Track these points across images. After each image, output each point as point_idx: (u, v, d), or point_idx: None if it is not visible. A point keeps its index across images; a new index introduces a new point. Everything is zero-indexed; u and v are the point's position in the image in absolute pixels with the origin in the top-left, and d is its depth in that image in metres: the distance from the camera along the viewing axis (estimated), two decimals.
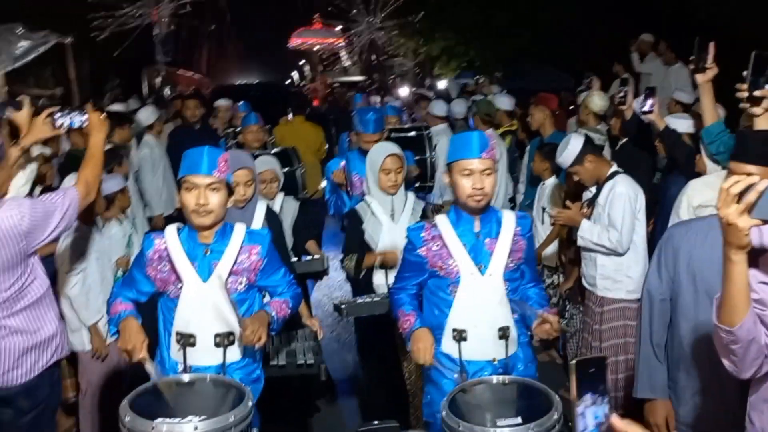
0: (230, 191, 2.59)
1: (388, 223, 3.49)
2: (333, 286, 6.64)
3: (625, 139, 4.75)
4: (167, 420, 2.10)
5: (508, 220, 2.66)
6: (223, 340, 2.55)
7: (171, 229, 2.60)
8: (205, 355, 2.55)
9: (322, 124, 9.41)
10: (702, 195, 3.09)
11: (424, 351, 2.55)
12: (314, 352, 2.96)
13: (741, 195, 1.56)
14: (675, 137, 3.92)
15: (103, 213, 3.72)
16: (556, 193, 4.51)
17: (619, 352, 3.79)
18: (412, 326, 2.62)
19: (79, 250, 3.49)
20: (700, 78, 3.10)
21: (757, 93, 2.59)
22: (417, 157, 4.72)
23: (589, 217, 3.77)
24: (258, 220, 3.28)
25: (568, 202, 3.95)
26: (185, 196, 2.51)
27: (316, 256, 3.91)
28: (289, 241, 3.97)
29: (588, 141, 3.84)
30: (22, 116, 3.06)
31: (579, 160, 3.76)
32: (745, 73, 2.61)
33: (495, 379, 2.47)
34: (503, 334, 2.63)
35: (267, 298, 2.81)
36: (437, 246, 2.63)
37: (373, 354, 3.79)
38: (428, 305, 2.71)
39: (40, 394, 2.80)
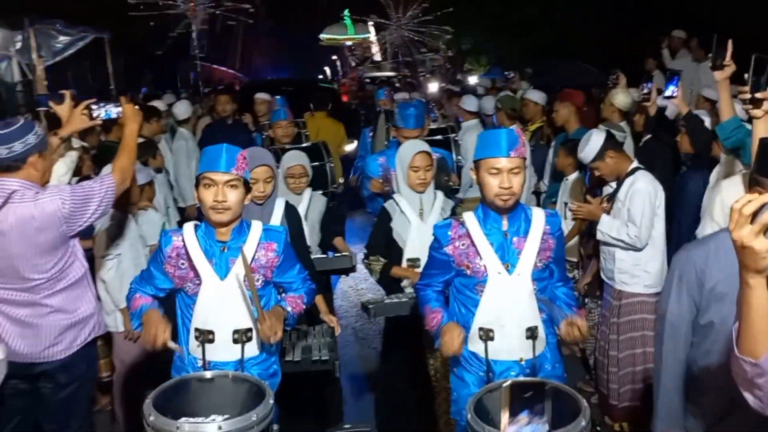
0: (248, 189, 2.56)
1: (416, 222, 3.42)
2: (359, 278, 6.55)
3: (648, 136, 4.69)
4: (191, 420, 2.09)
5: (538, 218, 2.58)
6: (242, 336, 2.53)
7: (188, 227, 2.57)
8: (224, 351, 2.53)
9: (352, 120, 9.40)
10: (736, 195, 2.95)
11: (451, 342, 2.46)
12: (329, 348, 2.91)
13: (755, 215, 1.42)
14: (696, 122, 3.93)
15: (137, 202, 3.82)
16: (577, 188, 4.50)
17: (636, 345, 3.79)
18: (441, 322, 2.56)
19: (114, 236, 3.60)
20: (717, 75, 3.10)
21: (758, 95, 2.60)
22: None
23: (608, 212, 3.77)
24: (277, 217, 3.22)
25: (588, 197, 3.97)
26: (203, 192, 2.48)
27: (345, 254, 3.86)
28: (317, 236, 3.94)
29: (609, 137, 3.84)
30: (63, 108, 3.23)
31: (600, 155, 3.77)
32: (746, 75, 2.62)
33: (523, 380, 2.39)
34: (531, 334, 2.55)
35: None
36: (464, 244, 2.56)
37: (398, 349, 3.73)
38: (455, 303, 2.65)
39: (78, 370, 2.95)
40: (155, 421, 2.08)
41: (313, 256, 3.73)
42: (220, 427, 2.06)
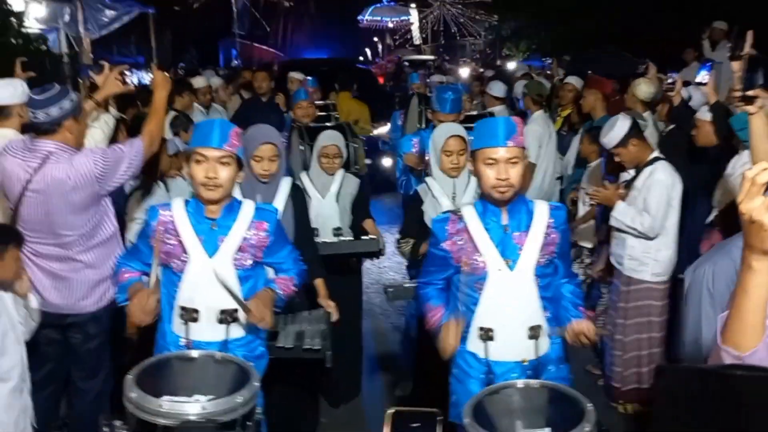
0: (240, 166, 2.47)
1: (448, 206, 3.23)
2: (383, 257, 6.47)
3: (672, 126, 4.61)
4: (174, 398, 2.01)
5: (540, 211, 2.41)
6: (227, 317, 2.44)
7: (178, 202, 2.49)
8: (208, 331, 2.44)
9: (385, 103, 9.22)
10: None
11: (446, 339, 2.33)
12: (322, 336, 2.78)
13: None
14: (722, 111, 3.89)
15: (167, 171, 3.85)
16: (597, 174, 4.45)
17: (642, 330, 3.82)
18: (440, 320, 2.44)
19: (143, 202, 3.66)
20: (735, 66, 3.01)
21: (749, 93, 2.62)
22: None
23: (624, 199, 3.74)
24: (282, 196, 3.10)
25: (605, 182, 3.96)
26: (195, 168, 2.40)
27: (372, 237, 3.73)
28: (348, 218, 3.82)
29: (635, 125, 3.81)
30: (102, 78, 3.40)
31: (623, 142, 3.74)
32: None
33: (522, 382, 2.26)
34: (533, 333, 2.39)
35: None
36: (462, 240, 2.41)
37: (416, 338, 3.60)
38: (454, 302, 2.50)
39: (106, 323, 3.11)
40: (137, 399, 2.01)
41: (333, 241, 3.65)
42: (203, 408, 1.99)
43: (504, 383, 2.29)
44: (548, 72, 9.78)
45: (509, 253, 2.37)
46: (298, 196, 3.24)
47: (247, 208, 2.48)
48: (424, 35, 21.54)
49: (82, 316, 3.05)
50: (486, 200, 2.41)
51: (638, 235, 3.69)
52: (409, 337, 4.22)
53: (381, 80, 14.59)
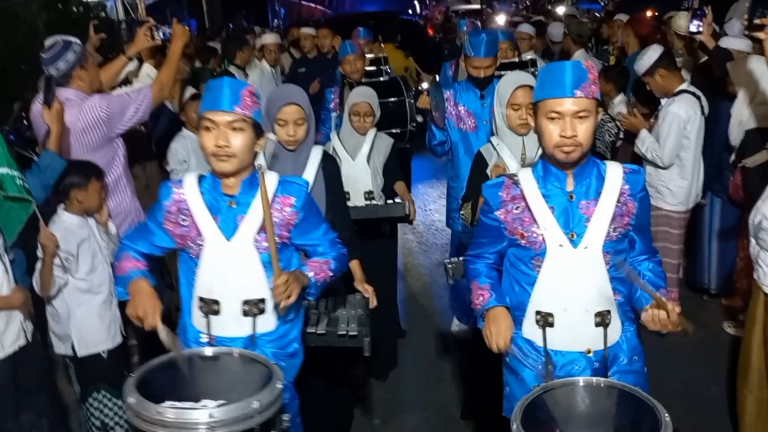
0: (258, 132, 2.02)
1: (517, 168, 2.70)
2: (424, 232, 5.98)
3: (705, 58, 4.43)
4: (177, 404, 1.66)
5: (613, 175, 1.92)
6: (252, 308, 2.04)
7: (190, 178, 2.07)
8: (232, 325, 2.05)
9: (434, 54, 8.59)
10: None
11: (497, 336, 1.93)
12: (359, 322, 2.38)
13: None
14: (723, 55, 3.91)
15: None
16: (627, 105, 4.44)
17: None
18: (486, 303, 1.99)
19: (183, 151, 3.84)
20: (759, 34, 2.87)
21: (756, 21, 2.62)
22: None
23: (650, 129, 3.84)
24: (312, 166, 2.65)
25: (634, 110, 4.02)
26: (204, 136, 1.97)
27: (397, 200, 3.30)
28: (380, 181, 3.41)
29: (665, 55, 3.84)
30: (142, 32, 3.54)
31: (650, 71, 3.80)
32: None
33: (583, 380, 1.82)
34: (602, 320, 1.93)
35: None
36: (518, 208, 1.95)
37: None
38: (508, 279, 2.05)
39: None
40: (135, 404, 1.67)
41: (358, 205, 3.23)
42: (211, 415, 1.63)
43: (563, 381, 1.85)
44: (597, 13, 9.00)
45: (574, 225, 1.90)
46: (330, 166, 2.77)
47: (269, 180, 2.05)
48: None
49: None
50: (548, 162, 1.93)
51: (649, 163, 3.81)
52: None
53: (431, 32, 13.79)
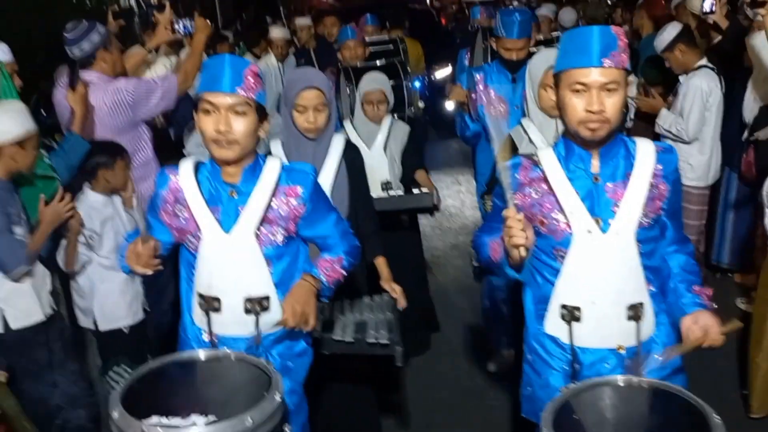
0: (263, 116, 1.82)
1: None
2: (443, 216, 5.73)
3: (718, 38, 4.33)
4: (163, 420, 1.50)
5: (644, 153, 1.70)
6: (255, 305, 1.86)
7: (186, 164, 1.86)
8: (234, 324, 1.87)
9: (446, 43, 8.36)
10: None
11: (513, 229, 1.56)
12: (389, 327, 2.16)
13: None
14: (737, 31, 3.88)
15: None
16: (639, 87, 4.31)
17: None
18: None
19: (198, 135, 3.84)
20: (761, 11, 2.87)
21: None
22: None
23: (669, 108, 3.83)
24: (334, 156, 2.43)
25: (652, 90, 3.98)
26: (203, 120, 1.77)
27: (424, 190, 3.09)
28: (398, 170, 3.21)
29: (684, 31, 3.82)
30: (164, 16, 3.51)
31: (670, 47, 3.79)
32: None
33: (622, 379, 1.61)
34: (634, 313, 1.72)
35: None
36: (538, 192, 1.73)
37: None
38: (528, 271, 1.83)
39: None
40: (117, 419, 1.49)
41: (382, 196, 3.03)
42: None
43: (596, 380, 1.65)
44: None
45: (601, 210, 1.69)
46: (353, 155, 2.53)
47: (271, 168, 1.86)
48: None
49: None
50: (571, 141, 1.71)
51: (674, 139, 3.73)
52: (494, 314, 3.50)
53: (444, 22, 13.49)
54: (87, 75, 3.03)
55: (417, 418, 3.12)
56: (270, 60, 6.25)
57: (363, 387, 2.67)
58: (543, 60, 2.53)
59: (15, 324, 2.42)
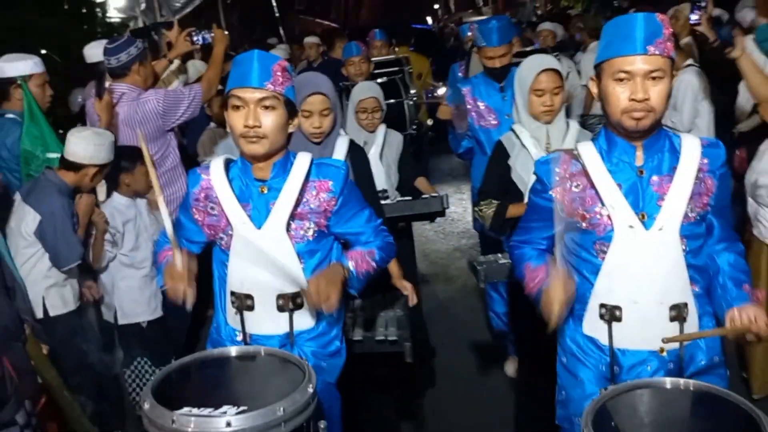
0: (292, 111, 1.79)
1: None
2: (445, 220, 5.82)
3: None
4: (194, 410, 1.44)
5: (690, 148, 1.65)
6: (288, 302, 1.80)
7: (217, 162, 1.84)
8: (267, 322, 1.83)
9: (448, 62, 8.42)
10: None
11: (549, 301, 1.60)
12: (398, 324, 2.14)
13: None
14: (722, 46, 3.91)
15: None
16: None
17: None
18: (544, 282, 1.69)
19: (208, 144, 4.09)
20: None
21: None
22: None
23: None
24: (339, 157, 2.43)
25: None
26: (232, 116, 1.75)
27: (434, 194, 3.04)
28: (394, 178, 3.17)
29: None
30: (173, 34, 3.82)
31: None
32: None
33: (669, 382, 1.54)
34: (678, 313, 1.66)
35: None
36: (578, 186, 1.68)
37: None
38: (566, 269, 1.76)
39: None
40: (149, 411, 1.45)
41: (390, 202, 2.96)
42: (228, 423, 1.41)
43: (637, 381, 1.57)
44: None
45: (645, 204, 1.64)
46: (358, 156, 2.53)
47: (302, 162, 1.82)
48: None
49: None
50: (613, 133, 1.66)
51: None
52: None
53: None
54: (118, 86, 3.23)
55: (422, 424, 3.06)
56: None
57: (379, 393, 2.62)
58: (533, 66, 2.53)
59: (53, 312, 2.64)
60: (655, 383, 1.55)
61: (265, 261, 1.77)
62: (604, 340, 1.70)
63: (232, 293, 1.84)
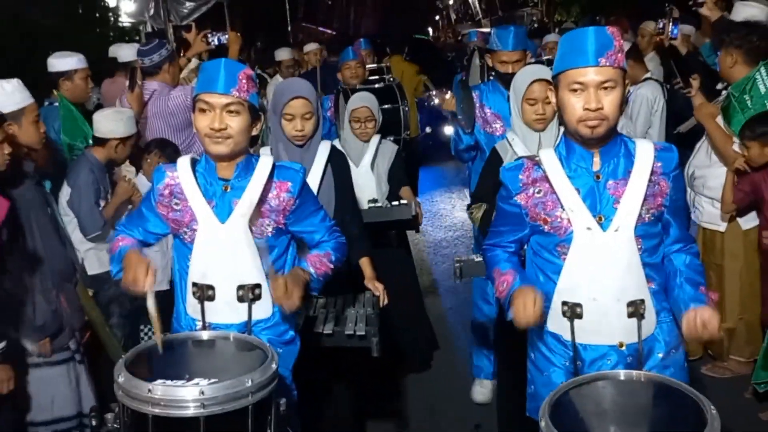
0: (255, 116, 1.87)
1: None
2: (437, 227, 6.03)
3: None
4: (168, 382, 1.51)
5: (643, 152, 1.71)
6: (248, 293, 1.88)
7: (183, 160, 1.93)
8: (227, 311, 1.91)
9: (447, 71, 8.49)
10: None
11: (522, 308, 1.65)
12: (368, 321, 2.20)
13: None
14: (693, 58, 4.25)
15: None
16: None
17: None
18: (511, 286, 1.75)
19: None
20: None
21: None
22: None
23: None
24: (320, 163, 2.48)
25: None
26: (199, 118, 1.84)
27: (404, 201, 3.05)
28: (385, 188, 3.19)
29: (633, 49, 4.15)
30: (191, 35, 4.40)
31: None
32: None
33: (623, 374, 1.60)
34: (635, 310, 1.71)
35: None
36: (540, 191, 1.74)
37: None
38: (532, 269, 1.84)
39: None
40: (124, 383, 1.52)
41: (372, 206, 3.01)
42: (202, 392, 1.48)
43: (596, 374, 1.63)
44: None
45: (602, 207, 1.69)
46: (339, 161, 2.57)
47: (264, 164, 1.92)
48: (483, 6, 20.30)
49: None
50: (571, 140, 1.72)
51: None
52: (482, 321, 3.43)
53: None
54: (149, 83, 3.60)
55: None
56: (277, 80, 6.36)
57: (364, 401, 2.71)
58: (527, 75, 2.57)
59: (91, 270, 2.97)
60: (611, 375, 1.61)
61: (230, 253, 1.86)
62: (567, 336, 1.75)
63: (194, 284, 1.91)
